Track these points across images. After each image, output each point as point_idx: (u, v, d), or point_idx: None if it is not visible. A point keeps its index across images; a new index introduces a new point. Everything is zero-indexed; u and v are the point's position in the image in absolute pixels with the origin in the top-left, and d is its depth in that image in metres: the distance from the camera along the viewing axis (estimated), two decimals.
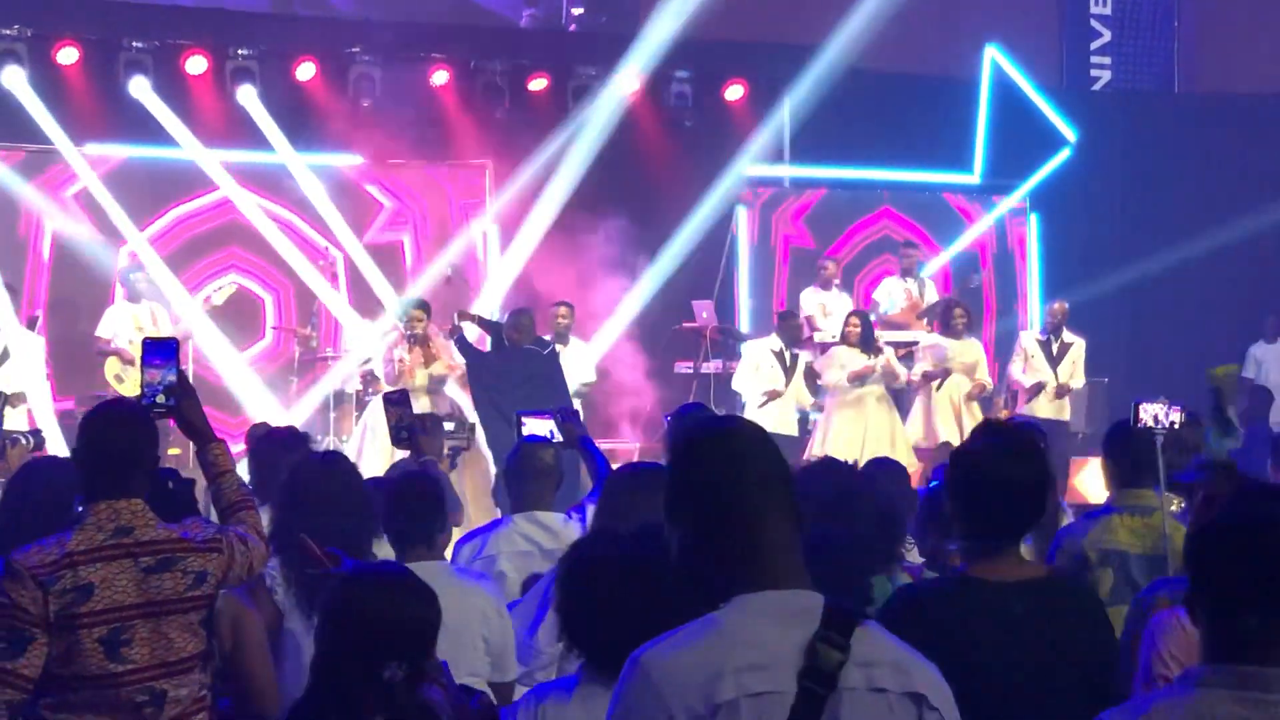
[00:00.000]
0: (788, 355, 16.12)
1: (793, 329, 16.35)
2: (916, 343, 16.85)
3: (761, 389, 15.93)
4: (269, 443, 7.39)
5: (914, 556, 6.77)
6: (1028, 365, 16.94)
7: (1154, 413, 6.80)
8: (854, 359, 15.82)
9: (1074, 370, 17.09)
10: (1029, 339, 17.20)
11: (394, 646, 4.02)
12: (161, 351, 5.25)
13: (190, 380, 5.40)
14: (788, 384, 15.99)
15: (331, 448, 13.94)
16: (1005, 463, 4.35)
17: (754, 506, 3.17)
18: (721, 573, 3.17)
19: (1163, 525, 6.44)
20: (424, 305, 15.02)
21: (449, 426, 9.68)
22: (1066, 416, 16.70)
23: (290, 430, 8.34)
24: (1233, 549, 3.16)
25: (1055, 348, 16.96)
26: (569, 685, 4.14)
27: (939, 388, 16.26)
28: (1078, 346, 17.16)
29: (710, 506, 3.20)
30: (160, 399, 5.20)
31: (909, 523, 6.70)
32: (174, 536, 4.98)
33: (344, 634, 4.08)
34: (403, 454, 8.84)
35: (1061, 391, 16.96)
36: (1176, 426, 6.77)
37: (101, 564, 4.83)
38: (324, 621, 4.16)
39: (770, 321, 17.67)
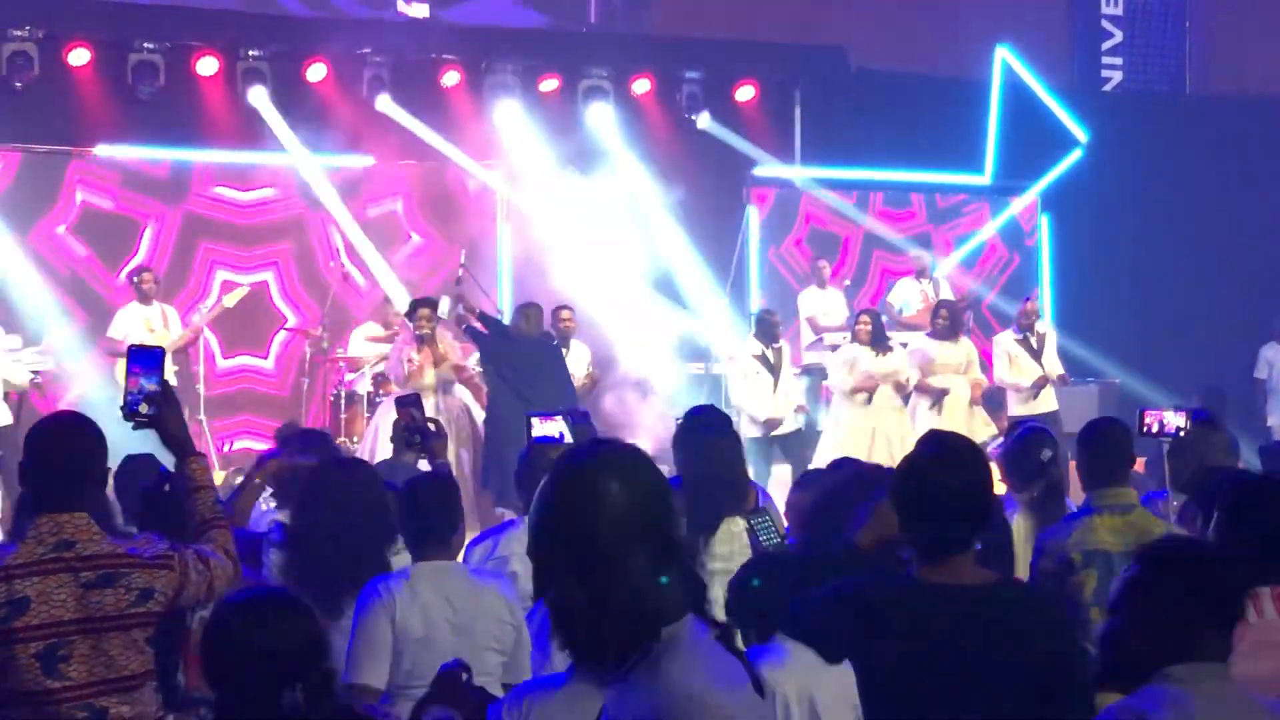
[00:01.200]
0: (769, 353, 16.10)
1: (767, 326, 16.28)
2: (905, 345, 16.77)
3: (756, 407, 15.91)
4: (289, 446, 7.37)
5: None
6: (1013, 365, 16.88)
7: (1160, 419, 6.80)
8: (864, 358, 15.77)
9: (1053, 359, 17.09)
10: (1007, 340, 17.13)
11: (282, 672, 3.93)
12: (146, 360, 5.17)
13: (172, 388, 5.31)
14: (776, 382, 15.98)
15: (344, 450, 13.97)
16: (946, 471, 4.40)
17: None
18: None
19: (1145, 523, 6.46)
20: (432, 304, 15.02)
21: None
22: (1055, 407, 16.65)
23: (314, 434, 8.35)
24: None
25: (1034, 342, 16.93)
26: (555, 683, 4.13)
27: (932, 406, 16.19)
28: (1051, 336, 17.19)
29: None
30: (143, 408, 5.11)
31: None
32: (118, 551, 4.89)
33: (230, 670, 4.00)
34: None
35: (1062, 381, 17.01)
36: (1182, 434, 6.77)
37: (39, 578, 4.76)
38: (207, 660, 4.06)
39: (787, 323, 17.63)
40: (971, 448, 4.61)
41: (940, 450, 4.50)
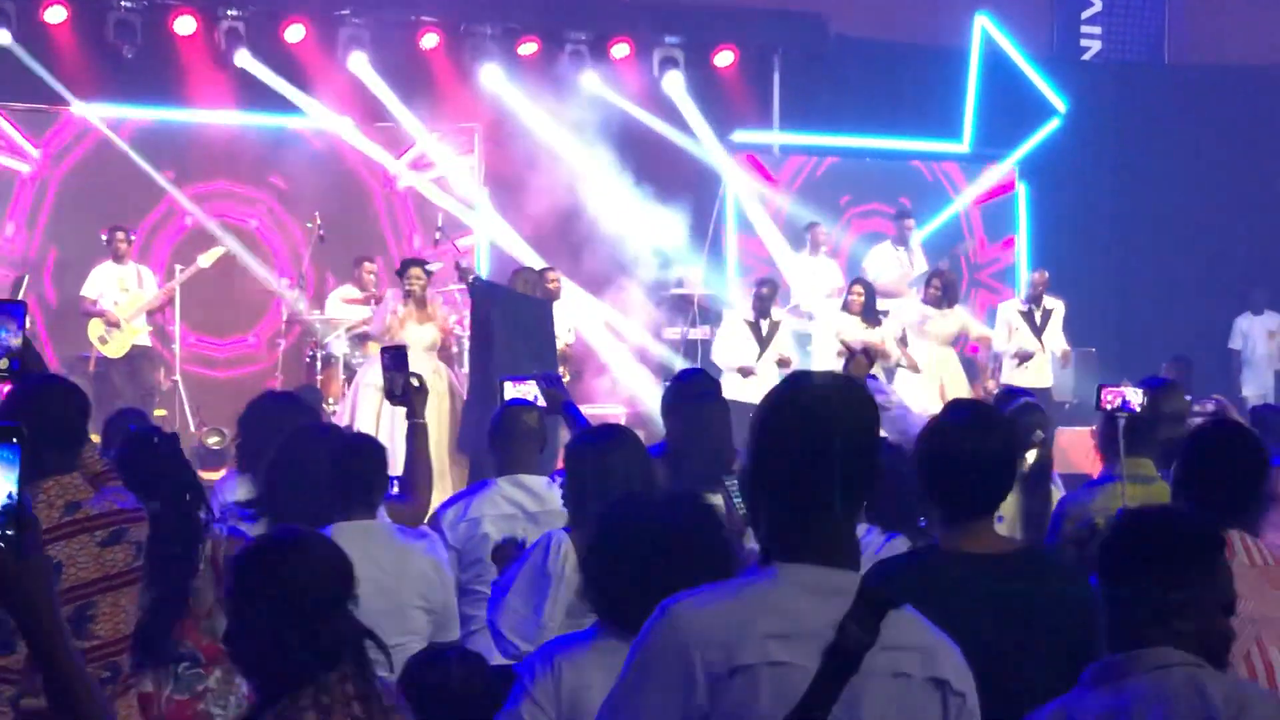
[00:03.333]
0: (764, 325, 16.11)
1: (762, 298, 16.30)
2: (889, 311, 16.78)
3: (735, 360, 15.93)
4: (256, 410, 7.33)
5: None
6: (1012, 336, 16.94)
7: (1120, 395, 6.83)
8: (854, 329, 15.76)
9: (1057, 335, 17.15)
10: (1010, 310, 17.19)
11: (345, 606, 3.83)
12: (7, 312, 5.03)
13: (33, 342, 5.23)
14: (762, 354, 15.98)
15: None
16: (972, 437, 4.40)
17: (815, 476, 3.12)
18: (770, 538, 3.16)
19: (1167, 496, 6.47)
20: (423, 264, 14.98)
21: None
22: (1049, 384, 16.70)
23: (283, 395, 8.32)
24: None
25: (1038, 316, 16.97)
26: (585, 638, 4.16)
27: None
28: (1058, 311, 17.20)
29: (773, 471, 3.17)
30: (3, 364, 4.94)
31: None
32: (114, 508, 4.92)
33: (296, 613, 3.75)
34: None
35: (1065, 359, 17.05)
36: (1139, 410, 6.80)
37: (64, 542, 4.78)
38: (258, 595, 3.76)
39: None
40: (999, 415, 4.66)
41: (970, 415, 4.53)
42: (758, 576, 3.12)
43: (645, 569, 4.00)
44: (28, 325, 5.13)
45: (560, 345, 15.44)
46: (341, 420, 13.48)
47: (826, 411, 3.15)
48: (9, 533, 3.48)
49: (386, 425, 13.03)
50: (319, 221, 16.71)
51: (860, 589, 3.08)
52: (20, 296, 15.32)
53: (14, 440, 2.77)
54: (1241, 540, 4.87)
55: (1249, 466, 5.07)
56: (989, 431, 4.44)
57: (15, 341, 4.97)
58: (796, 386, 3.25)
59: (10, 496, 3.57)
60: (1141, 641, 3.58)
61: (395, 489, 6.86)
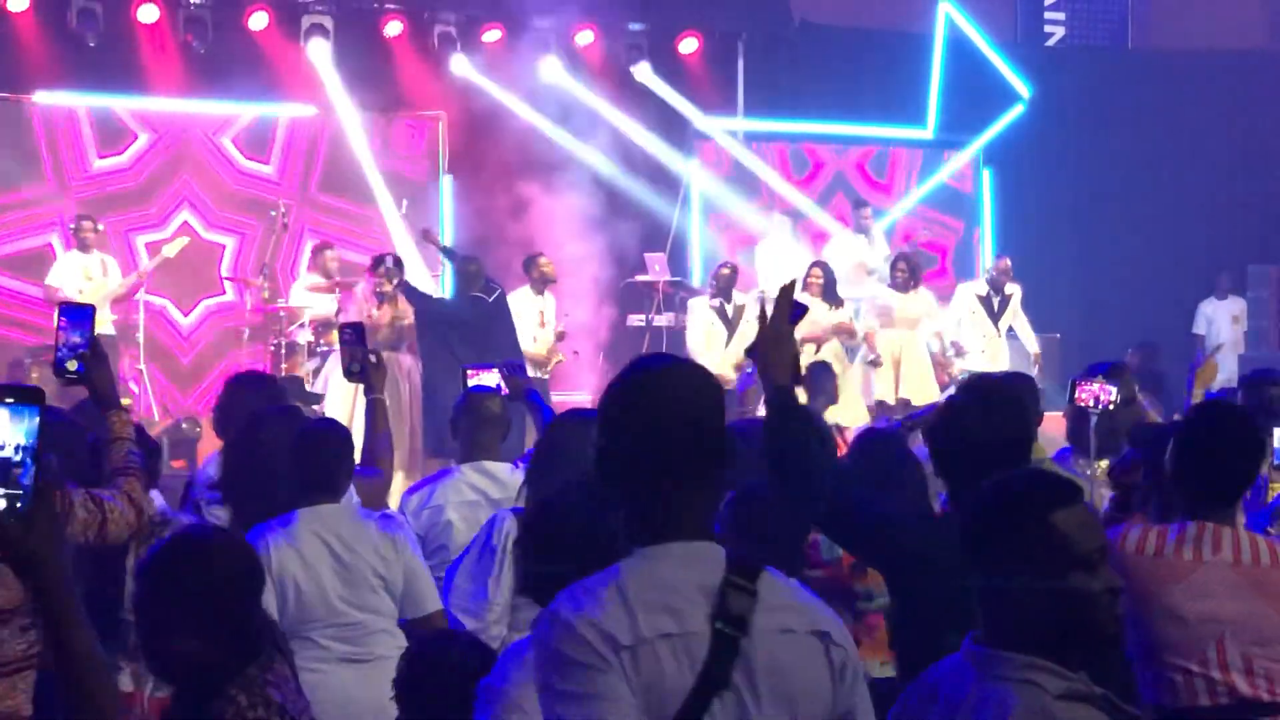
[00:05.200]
0: (729, 308, 16.13)
1: (722, 279, 16.30)
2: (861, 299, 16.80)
3: (705, 348, 15.94)
4: (230, 389, 7.33)
5: None
6: (969, 319, 16.97)
7: (1093, 392, 6.84)
8: (817, 312, 15.74)
9: (1015, 317, 17.17)
10: (968, 293, 17.22)
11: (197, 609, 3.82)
12: (75, 316, 5.21)
13: (101, 345, 5.35)
14: (730, 338, 15.98)
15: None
16: (986, 418, 4.54)
17: (662, 457, 3.17)
18: (630, 524, 3.21)
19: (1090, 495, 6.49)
20: (396, 261, 14.93)
21: None
22: (1006, 367, 16.70)
23: (256, 376, 8.28)
24: None
25: (996, 302, 17.01)
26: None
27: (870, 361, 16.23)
28: (1016, 295, 17.22)
29: (622, 453, 3.21)
30: (70, 365, 5.17)
31: None
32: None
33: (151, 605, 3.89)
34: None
35: (1035, 361, 17.08)
36: (1112, 407, 6.82)
37: None
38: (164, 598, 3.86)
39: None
40: (1014, 397, 4.74)
41: (979, 398, 4.63)
42: (627, 562, 3.15)
43: (569, 557, 4.00)
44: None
45: (558, 329, 15.64)
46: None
47: (667, 392, 3.20)
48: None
49: (361, 413, 13.02)
50: (284, 209, 16.67)
51: (728, 555, 3.14)
52: None
53: (34, 403, 2.69)
54: (1234, 536, 4.83)
55: (1251, 451, 5.01)
56: (1004, 413, 4.58)
57: (81, 343, 5.17)
58: (635, 370, 3.29)
59: (82, 341, 4.57)
60: None
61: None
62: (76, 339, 5.15)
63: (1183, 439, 4.97)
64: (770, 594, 3.13)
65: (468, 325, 14.31)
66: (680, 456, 3.16)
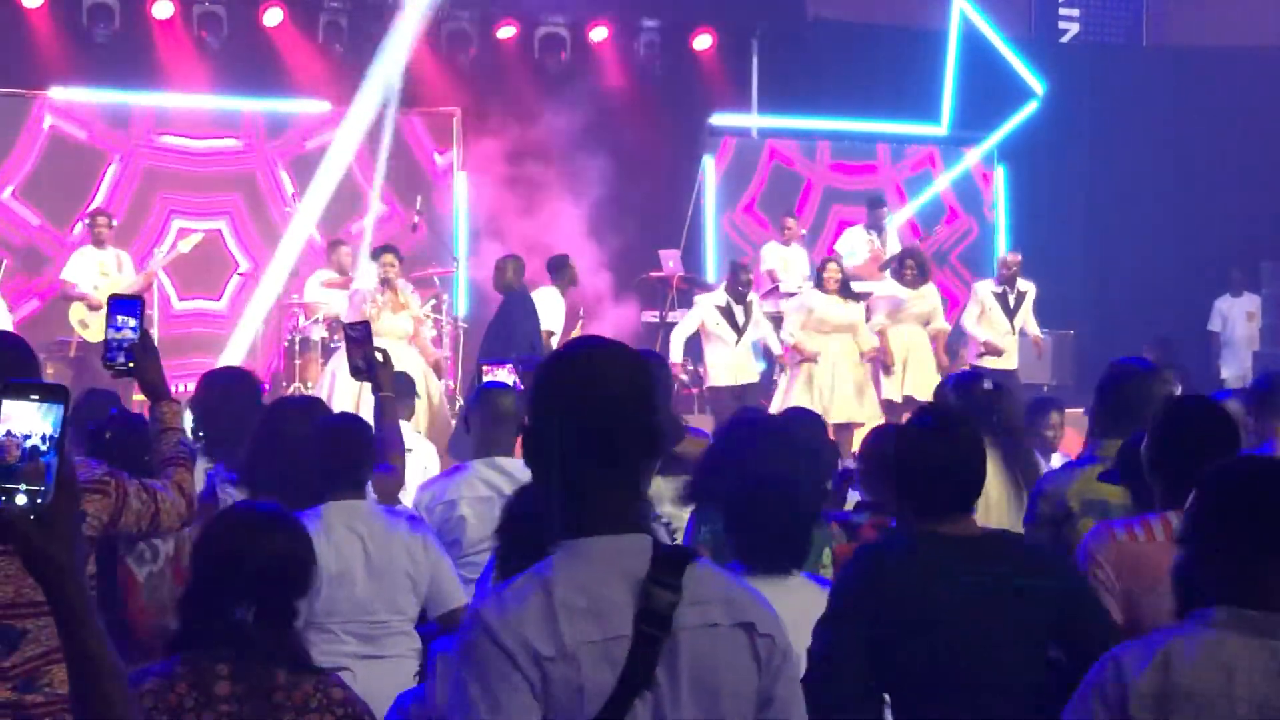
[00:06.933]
0: (737, 310, 15.98)
1: (738, 283, 16.13)
2: (870, 294, 16.75)
3: (714, 351, 15.90)
4: (208, 387, 7.34)
5: None
6: (984, 316, 16.90)
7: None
8: (830, 307, 15.64)
9: (1028, 317, 17.13)
10: (984, 290, 17.16)
11: (240, 586, 3.99)
12: (126, 309, 5.21)
13: (152, 337, 5.37)
14: (739, 339, 15.88)
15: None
16: (941, 444, 4.51)
17: (588, 438, 3.09)
18: (559, 515, 3.14)
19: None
20: (395, 252, 15.00)
21: None
22: (1014, 366, 16.63)
23: (236, 372, 8.27)
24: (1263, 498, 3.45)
25: (1011, 299, 16.95)
26: None
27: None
28: (1030, 294, 17.14)
29: (547, 433, 3.14)
30: (120, 358, 5.18)
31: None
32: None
33: (197, 571, 4.12)
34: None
35: (1037, 346, 17.04)
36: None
37: None
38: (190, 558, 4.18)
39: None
40: (965, 420, 4.76)
41: (937, 422, 4.62)
42: (554, 559, 3.09)
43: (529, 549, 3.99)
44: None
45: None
46: None
47: (595, 372, 3.12)
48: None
49: (367, 410, 13.03)
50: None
51: (655, 549, 3.08)
52: None
53: (59, 399, 2.60)
54: None
55: (1224, 442, 4.99)
56: (955, 436, 4.55)
57: (134, 337, 5.18)
58: (567, 349, 3.25)
59: (132, 334, 4.65)
60: None
61: None
62: (127, 331, 5.16)
63: (1157, 432, 5.07)
64: (696, 588, 3.07)
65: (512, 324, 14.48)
66: (604, 439, 3.08)
